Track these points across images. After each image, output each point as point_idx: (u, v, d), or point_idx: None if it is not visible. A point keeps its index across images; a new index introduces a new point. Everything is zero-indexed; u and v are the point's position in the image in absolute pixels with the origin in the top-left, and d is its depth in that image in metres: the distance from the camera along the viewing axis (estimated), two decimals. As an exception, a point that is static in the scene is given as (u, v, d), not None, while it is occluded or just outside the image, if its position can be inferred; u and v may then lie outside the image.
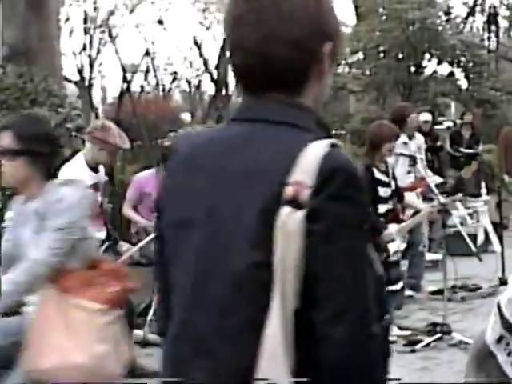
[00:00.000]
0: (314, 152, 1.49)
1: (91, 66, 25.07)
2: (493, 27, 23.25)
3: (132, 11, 25.76)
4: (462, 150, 13.23)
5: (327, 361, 1.49)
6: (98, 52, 25.42)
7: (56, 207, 3.32)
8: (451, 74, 19.98)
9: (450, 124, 17.63)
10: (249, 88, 1.65)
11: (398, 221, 6.46)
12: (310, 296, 1.48)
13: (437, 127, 15.02)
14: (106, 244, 5.90)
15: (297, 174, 1.48)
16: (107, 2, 25.56)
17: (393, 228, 6.27)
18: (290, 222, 1.46)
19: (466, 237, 6.75)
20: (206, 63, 23.61)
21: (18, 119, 4.06)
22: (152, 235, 6.47)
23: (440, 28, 18.91)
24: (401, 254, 6.58)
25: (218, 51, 21.68)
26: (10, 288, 3.28)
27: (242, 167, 1.57)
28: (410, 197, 7.26)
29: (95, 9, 24.54)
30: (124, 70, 18.97)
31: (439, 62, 19.63)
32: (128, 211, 7.74)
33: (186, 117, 26.57)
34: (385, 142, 6.31)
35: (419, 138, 8.65)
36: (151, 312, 6.85)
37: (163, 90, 28.83)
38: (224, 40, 21.27)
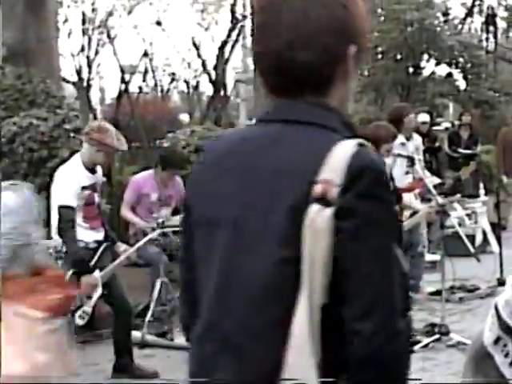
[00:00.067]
0: (343, 151, 1.52)
1: (89, 66, 25.05)
2: (491, 28, 23.26)
3: (130, 12, 25.75)
4: (460, 150, 13.23)
5: (355, 356, 1.50)
6: (97, 53, 25.40)
7: None
8: (449, 74, 20.00)
9: (448, 125, 17.64)
10: (275, 90, 1.68)
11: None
12: (337, 292, 1.50)
13: (435, 128, 15.04)
14: (104, 245, 5.89)
15: (325, 173, 1.50)
16: (105, 3, 25.53)
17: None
18: (318, 219, 1.48)
19: (464, 237, 6.75)
20: (204, 64, 23.60)
21: None
22: (149, 236, 6.48)
23: (438, 29, 18.94)
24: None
25: (216, 52, 21.69)
26: None
27: (271, 167, 1.60)
28: (408, 197, 7.27)
29: (93, 10, 24.53)
30: (122, 71, 19.00)
31: (437, 63, 19.65)
32: (126, 212, 7.74)
33: (184, 117, 26.59)
34: (382, 143, 6.31)
35: (417, 139, 8.65)
36: (149, 313, 6.86)
37: (161, 90, 28.82)
38: (224, 42, 21.29)
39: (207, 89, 27.74)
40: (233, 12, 21.87)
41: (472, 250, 6.82)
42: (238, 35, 21.94)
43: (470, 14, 23.48)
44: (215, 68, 21.55)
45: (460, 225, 8.04)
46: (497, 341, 1.48)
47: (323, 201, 1.49)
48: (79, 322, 5.60)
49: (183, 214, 1.80)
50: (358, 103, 20.67)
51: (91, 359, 6.54)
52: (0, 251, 3.21)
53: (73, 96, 19.06)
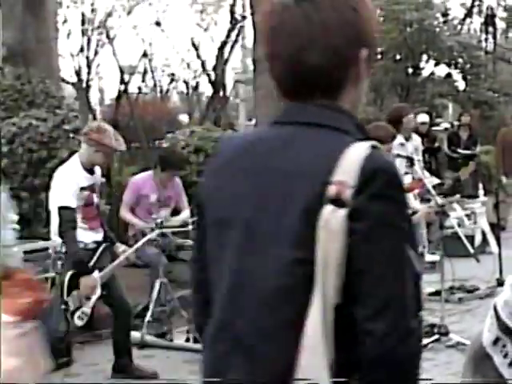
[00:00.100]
0: (356, 153, 1.54)
1: (89, 67, 25.03)
2: (490, 29, 23.27)
3: (129, 13, 25.73)
4: (460, 151, 13.24)
5: (368, 356, 1.52)
6: (96, 53, 25.37)
7: None
8: (449, 75, 20.00)
9: (448, 125, 17.64)
10: (288, 93, 1.71)
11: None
12: (351, 292, 1.51)
13: (434, 128, 15.03)
14: (103, 246, 5.89)
15: (339, 174, 1.52)
16: (105, 3, 25.52)
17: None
18: (332, 220, 1.50)
19: (464, 238, 6.75)
20: (203, 64, 23.59)
21: None
22: (148, 237, 6.48)
23: (437, 29, 18.95)
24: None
25: (216, 53, 21.68)
26: None
27: (284, 168, 1.62)
28: (408, 198, 7.26)
29: (93, 10, 24.52)
30: (122, 72, 19.00)
31: (437, 64, 19.66)
32: (125, 213, 7.74)
33: (183, 118, 26.57)
34: (382, 143, 6.32)
35: (416, 139, 8.65)
36: (149, 314, 6.85)
37: (161, 91, 28.80)
38: (223, 42, 21.29)
39: (206, 89, 27.74)
40: (232, 13, 21.87)
41: (471, 250, 6.82)
42: (238, 36, 21.94)
43: (469, 14, 23.48)
44: (214, 68, 21.55)
45: (459, 225, 8.03)
46: (496, 341, 1.48)
47: (337, 202, 1.51)
48: (78, 322, 5.59)
49: (196, 215, 1.81)
50: (358, 104, 20.67)
51: (90, 359, 6.54)
52: None
53: (72, 96, 19.04)
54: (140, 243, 6.32)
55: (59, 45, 12.83)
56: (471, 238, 9.10)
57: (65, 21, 23.62)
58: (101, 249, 5.84)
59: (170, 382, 5.96)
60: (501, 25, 25.24)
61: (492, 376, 1.48)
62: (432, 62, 19.58)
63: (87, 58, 24.92)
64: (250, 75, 22.45)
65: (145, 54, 24.98)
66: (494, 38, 23.48)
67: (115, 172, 10.55)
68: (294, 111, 1.69)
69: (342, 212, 1.50)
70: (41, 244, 6.35)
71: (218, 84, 20.89)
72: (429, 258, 8.96)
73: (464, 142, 13.37)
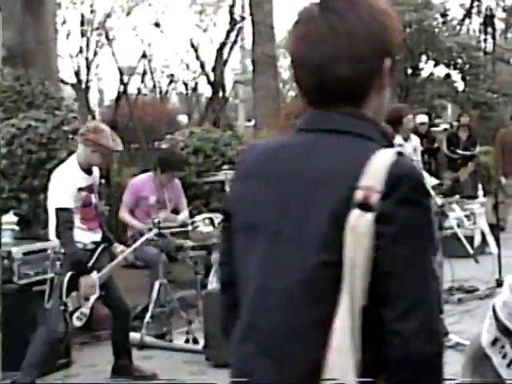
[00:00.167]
0: (383, 159, 1.59)
1: (88, 68, 25.03)
2: (489, 29, 23.28)
3: (129, 14, 25.75)
4: (459, 151, 13.24)
5: (395, 356, 1.57)
6: (95, 54, 25.38)
7: None
8: (448, 75, 19.99)
9: (447, 126, 17.65)
10: (313, 102, 1.75)
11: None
12: (377, 294, 1.56)
13: (433, 129, 15.04)
14: (102, 246, 5.88)
15: (366, 180, 1.57)
16: (104, 4, 25.56)
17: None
18: (360, 224, 1.55)
19: (463, 239, 6.75)
20: (202, 65, 23.59)
21: None
22: (146, 236, 6.47)
23: (437, 30, 18.94)
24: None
25: (215, 53, 21.68)
26: None
27: (311, 174, 1.66)
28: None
29: (92, 11, 24.52)
30: (121, 73, 18.99)
31: (436, 64, 19.65)
32: (124, 215, 7.75)
33: (182, 119, 26.56)
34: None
35: (415, 140, 8.65)
36: (148, 314, 6.85)
37: (160, 92, 28.80)
38: (222, 43, 21.29)
39: (206, 90, 27.76)
40: (231, 13, 21.87)
41: (471, 251, 6.83)
42: (237, 37, 21.94)
43: (468, 15, 23.48)
44: (214, 69, 21.54)
45: (459, 226, 8.03)
46: (494, 342, 1.49)
47: (364, 206, 1.56)
48: (77, 323, 5.59)
49: (223, 220, 1.87)
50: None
51: (90, 361, 6.54)
52: None
53: (71, 97, 19.03)
54: (138, 243, 6.31)
55: (58, 46, 12.84)
56: (470, 239, 9.08)
57: (64, 22, 23.62)
58: (99, 249, 5.84)
59: (170, 383, 5.96)
60: (500, 25, 25.27)
61: (491, 377, 1.48)
62: (431, 62, 19.58)
63: (86, 58, 24.92)
64: (249, 76, 22.49)
65: (144, 55, 24.97)
66: (493, 38, 23.48)
67: (114, 173, 10.54)
68: (319, 119, 1.74)
69: (369, 216, 1.55)
70: (39, 245, 6.35)
71: (217, 85, 20.88)
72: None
73: (463, 142, 13.38)
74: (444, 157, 13.26)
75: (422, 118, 12.08)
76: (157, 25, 25.20)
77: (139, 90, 25.64)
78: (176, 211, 7.94)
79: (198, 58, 23.79)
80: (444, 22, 19.84)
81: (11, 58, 10.18)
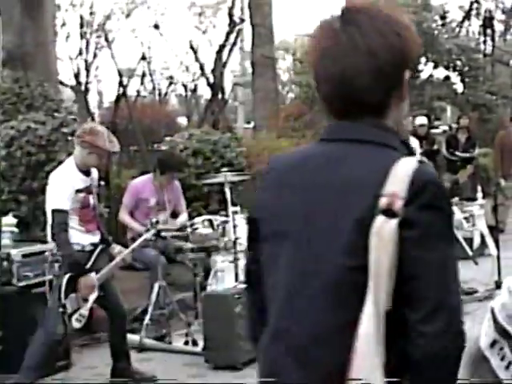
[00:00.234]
0: (405, 167, 1.65)
1: (87, 70, 25.04)
2: (488, 31, 23.29)
3: (128, 16, 25.76)
4: (458, 153, 13.24)
5: (421, 356, 1.62)
6: (95, 56, 25.40)
7: None
8: (447, 77, 19.98)
9: (446, 128, 17.65)
10: (336, 113, 1.81)
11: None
12: (402, 297, 1.62)
13: (433, 131, 15.03)
14: (100, 247, 5.88)
15: (390, 187, 1.64)
16: (103, 6, 25.54)
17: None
18: (384, 229, 1.61)
19: (462, 240, 6.76)
20: (202, 67, 23.58)
21: None
22: (144, 237, 6.45)
23: (436, 32, 18.94)
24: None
25: (214, 55, 21.67)
26: None
27: (336, 182, 1.73)
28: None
29: (91, 13, 24.53)
30: (120, 75, 18.95)
31: (435, 66, 19.64)
32: (124, 216, 7.75)
33: (182, 121, 26.57)
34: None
35: (414, 142, 8.65)
36: (147, 316, 6.85)
37: (159, 94, 28.81)
38: (222, 45, 21.28)
39: (205, 92, 27.77)
40: (230, 15, 21.85)
41: (470, 252, 6.83)
42: (236, 39, 21.92)
43: (467, 17, 23.49)
44: (213, 71, 21.53)
45: (458, 228, 8.03)
46: (493, 344, 1.49)
47: (388, 212, 1.62)
48: (76, 324, 5.58)
49: (249, 229, 1.93)
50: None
51: (89, 363, 6.54)
52: None
53: (71, 99, 19.02)
54: (136, 244, 6.30)
55: (58, 48, 12.83)
56: (470, 241, 9.09)
57: (63, 24, 23.64)
58: (97, 251, 5.83)
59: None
60: (499, 27, 25.30)
61: (489, 378, 1.48)
62: (430, 64, 19.57)
63: (86, 61, 24.93)
64: (249, 78, 22.47)
65: (143, 57, 24.99)
66: (493, 40, 23.49)
67: (114, 175, 10.54)
68: (341, 129, 1.80)
69: (394, 222, 1.61)
70: (38, 247, 6.35)
71: (216, 87, 20.87)
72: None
73: (462, 144, 13.38)
74: (443, 159, 13.25)
75: (421, 120, 12.08)
76: (156, 27, 25.22)
77: (138, 92, 25.67)
78: (175, 213, 7.94)
79: (197, 59, 23.79)
80: (443, 24, 19.85)
81: (11, 60, 10.18)
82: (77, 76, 24.38)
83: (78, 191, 5.71)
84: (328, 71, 1.77)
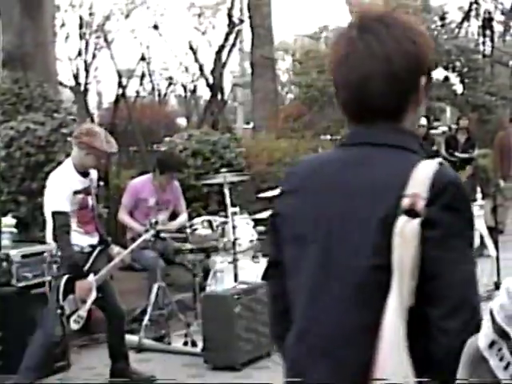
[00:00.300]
0: (427, 169, 1.70)
1: (87, 71, 25.05)
2: (488, 32, 23.31)
3: (127, 16, 25.77)
4: (457, 154, 13.26)
5: (443, 352, 1.65)
6: (94, 57, 25.41)
7: None
8: (446, 78, 20.02)
9: (446, 129, 17.66)
10: (355, 117, 1.86)
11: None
12: (424, 295, 1.66)
13: (432, 132, 15.05)
14: (98, 249, 5.88)
15: (412, 188, 1.68)
16: (103, 7, 25.57)
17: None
18: (407, 229, 1.65)
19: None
20: (201, 68, 23.58)
21: None
22: (143, 237, 6.45)
23: (435, 33, 18.97)
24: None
25: (214, 56, 21.67)
26: None
27: (358, 185, 1.77)
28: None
29: (91, 14, 24.55)
30: (119, 75, 18.95)
31: (434, 67, 19.67)
32: (124, 217, 7.75)
33: (181, 121, 26.58)
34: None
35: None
36: (146, 317, 6.85)
37: (159, 94, 28.82)
38: (221, 46, 21.29)
39: (204, 93, 27.77)
40: (230, 16, 21.86)
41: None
42: (235, 39, 21.92)
43: (466, 18, 23.52)
44: (212, 72, 21.54)
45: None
46: (491, 345, 1.49)
47: (411, 212, 1.66)
48: (74, 326, 5.58)
49: (270, 233, 1.97)
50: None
51: (88, 363, 6.54)
52: None
53: (70, 100, 19.02)
54: (135, 245, 6.30)
55: (57, 48, 12.82)
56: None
57: (63, 24, 23.64)
58: (96, 252, 5.83)
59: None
60: (498, 28, 25.33)
61: (488, 378, 1.49)
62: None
63: (85, 61, 24.95)
64: (248, 79, 22.48)
65: (143, 58, 25.00)
66: (492, 41, 23.52)
67: (113, 175, 10.54)
68: (361, 134, 1.84)
69: (416, 221, 1.65)
70: (38, 248, 6.35)
71: (215, 87, 20.88)
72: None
73: (462, 145, 13.39)
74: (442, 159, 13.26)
75: (421, 121, 12.09)
76: (155, 27, 25.24)
77: (138, 92, 25.67)
78: (175, 213, 7.94)
79: (196, 60, 23.80)
80: (443, 25, 19.89)
81: (10, 61, 10.18)
82: (76, 77, 24.40)
83: (76, 192, 5.71)
84: (345, 78, 1.83)
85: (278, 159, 11.47)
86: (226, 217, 7.31)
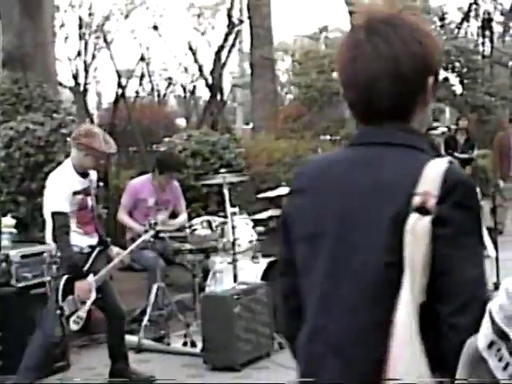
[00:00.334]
0: (437, 167, 1.72)
1: (86, 71, 25.05)
2: (487, 32, 23.31)
3: (127, 17, 25.78)
4: (457, 155, 13.25)
5: (452, 348, 1.65)
6: (93, 57, 25.42)
7: None
8: (446, 79, 20.02)
9: (445, 129, 17.62)
10: (364, 118, 1.89)
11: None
12: (435, 291, 1.67)
13: (431, 132, 15.03)
14: (97, 249, 5.87)
15: (423, 186, 1.70)
16: (102, 7, 25.58)
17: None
18: (418, 226, 1.67)
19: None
20: (200, 68, 23.58)
21: None
22: (142, 238, 6.43)
23: (435, 33, 18.95)
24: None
25: (213, 57, 21.67)
26: None
27: (369, 184, 1.79)
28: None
29: (90, 14, 24.55)
30: (119, 76, 18.95)
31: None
32: (123, 217, 7.75)
33: (181, 122, 26.59)
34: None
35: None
36: (146, 317, 6.85)
37: (158, 95, 28.84)
38: (221, 47, 21.30)
39: (204, 93, 27.81)
40: (229, 17, 21.87)
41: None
42: (235, 40, 21.93)
43: (466, 18, 23.52)
44: (212, 72, 21.54)
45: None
46: (491, 345, 1.50)
47: (422, 210, 1.68)
48: (74, 327, 5.58)
49: (281, 232, 1.98)
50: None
51: (88, 363, 6.54)
52: None
53: (69, 100, 19.03)
54: (134, 245, 6.29)
55: (56, 49, 12.82)
56: (468, 242, 9.04)
57: (62, 25, 23.64)
58: (95, 252, 5.83)
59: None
60: (498, 29, 25.33)
61: (487, 378, 1.49)
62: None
63: (85, 62, 24.95)
64: (248, 79, 22.48)
65: (142, 58, 25.02)
66: (491, 42, 23.52)
67: (112, 176, 10.54)
68: (370, 134, 1.87)
69: (427, 219, 1.67)
70: (37, 248, 6.35)
71: (215, 88, 20.88)
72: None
73: (461, 145, 13.40)
74: (442, 160, 13.27)
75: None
76: (155, 28, 25.25)
77: (137, 92, 25.68)
78: (175, 213, 7.94)
79: (196, 61, 23.80)
80: (442, 26, 19.89)
81: (10, 61, 10.19)
82: (75, 77, 24.40)
83: (75, 193, 5.71)
84: (353, 79, 1.85)
85: (277, 160, 11.47)
86: (226, 217, 7.31)
